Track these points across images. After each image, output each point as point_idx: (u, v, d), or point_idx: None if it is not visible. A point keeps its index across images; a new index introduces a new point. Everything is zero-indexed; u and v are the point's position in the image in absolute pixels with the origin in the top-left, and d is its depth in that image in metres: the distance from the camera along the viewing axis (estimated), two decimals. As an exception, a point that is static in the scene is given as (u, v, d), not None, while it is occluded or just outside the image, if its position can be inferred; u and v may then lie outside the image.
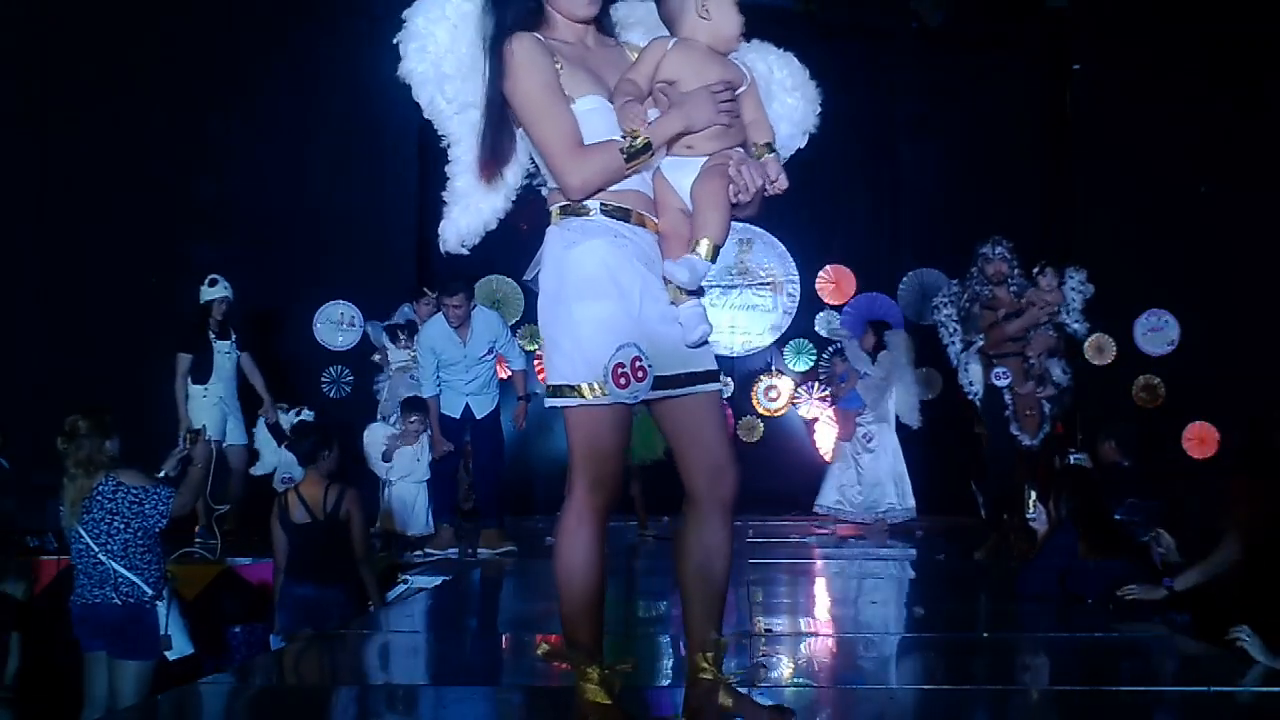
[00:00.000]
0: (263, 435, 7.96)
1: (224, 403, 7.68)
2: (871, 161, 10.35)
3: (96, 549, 4.98)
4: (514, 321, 9.97)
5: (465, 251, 3.08)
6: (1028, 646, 4.45)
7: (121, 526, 5.02)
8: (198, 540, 6.96)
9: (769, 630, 4.56)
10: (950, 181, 10.12)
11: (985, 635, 4.62)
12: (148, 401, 8.10)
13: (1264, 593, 4.60)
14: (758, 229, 10.15)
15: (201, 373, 7.62)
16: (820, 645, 4.53)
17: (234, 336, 7.80)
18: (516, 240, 9.76)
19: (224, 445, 7.63)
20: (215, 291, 7.70)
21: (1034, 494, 5.39)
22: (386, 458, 7.38)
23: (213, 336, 7.69)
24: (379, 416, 8.07)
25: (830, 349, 9.23)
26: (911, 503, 8.65)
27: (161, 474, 5.36)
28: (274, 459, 7.94)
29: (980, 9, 9.91)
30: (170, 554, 5.65)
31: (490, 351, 7.39)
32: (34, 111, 9.30)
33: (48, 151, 9.33)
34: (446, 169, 3.01)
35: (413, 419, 7.39)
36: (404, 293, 9.52)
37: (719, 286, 10.11)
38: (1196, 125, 9.51)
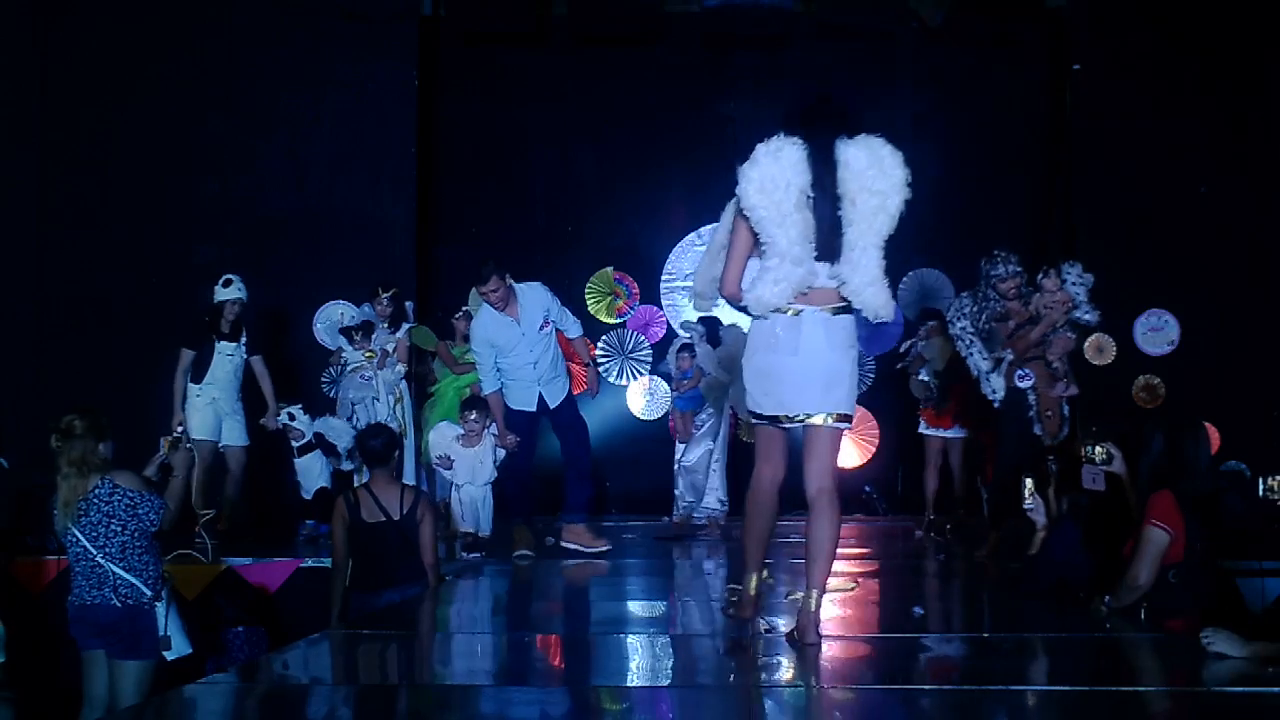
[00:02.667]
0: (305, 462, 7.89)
1: (218, 404, 7.56)
2: (871, 161, 10.32)
3: (94, 551, 4.96)
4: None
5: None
6: (1028, 646, 4.44)
7: (119, 529, 5.00)
8: (198, 542, 6.93)
9: (769, 630, 4.55)
10: (950, 181, 10.10)
11: (985, 635, 4.62)
12: (147, 402, 8.11)
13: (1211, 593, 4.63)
14: (758, 229, 10.12)
15: (197, 372, 7.54)
16: (820, 645, 4.51)
17: (244, 339, 7.70)
18: (516, 241, 9.80)
19: (220, 446, 7.58)
20: (229, 292, 7.58)
21: (1030, 483, 5.37)
22: (447, 464, 7.23)
23: (215, 337, 7.57)
24: (340, 418, 8.02)
25: (677, 343, 8.74)
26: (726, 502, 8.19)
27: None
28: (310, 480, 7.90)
29: (980, 9, 9.90)
30: (167, 555, 5.64)
31: (546, 323, 6.95)
32: (34, 111, 9.31)
33: (47, 151, 9.34)
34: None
35: (471, 416, 7.10)
36: (404, 292, 9.54)
37: (719, 286, 10.09)
38: (1196, 125, 9.51)
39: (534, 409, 6.88)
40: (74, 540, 5.00)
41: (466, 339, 8.52)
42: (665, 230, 10.20)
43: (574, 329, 7.23)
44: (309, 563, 6.46)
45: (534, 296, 6.93)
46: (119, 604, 4.98)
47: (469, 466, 7.17)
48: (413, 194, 9.67)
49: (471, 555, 7.01)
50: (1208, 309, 9.46)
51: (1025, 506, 5.34)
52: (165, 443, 5.41)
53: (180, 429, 7.03)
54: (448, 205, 10.23)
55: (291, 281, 9.28)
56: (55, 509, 5.06)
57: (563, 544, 6.97)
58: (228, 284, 7.59)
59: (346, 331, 8.28)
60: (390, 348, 8.17)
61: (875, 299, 3.94)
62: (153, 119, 9.29)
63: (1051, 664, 4.20)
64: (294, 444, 7.89)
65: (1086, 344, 9.54)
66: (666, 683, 4.00)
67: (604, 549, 6.91)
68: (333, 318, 9.24)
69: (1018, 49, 10.20)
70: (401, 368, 8.21)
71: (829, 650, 4.33)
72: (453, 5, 10.10)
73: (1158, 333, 9.62)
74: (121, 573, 4.98)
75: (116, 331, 9.07)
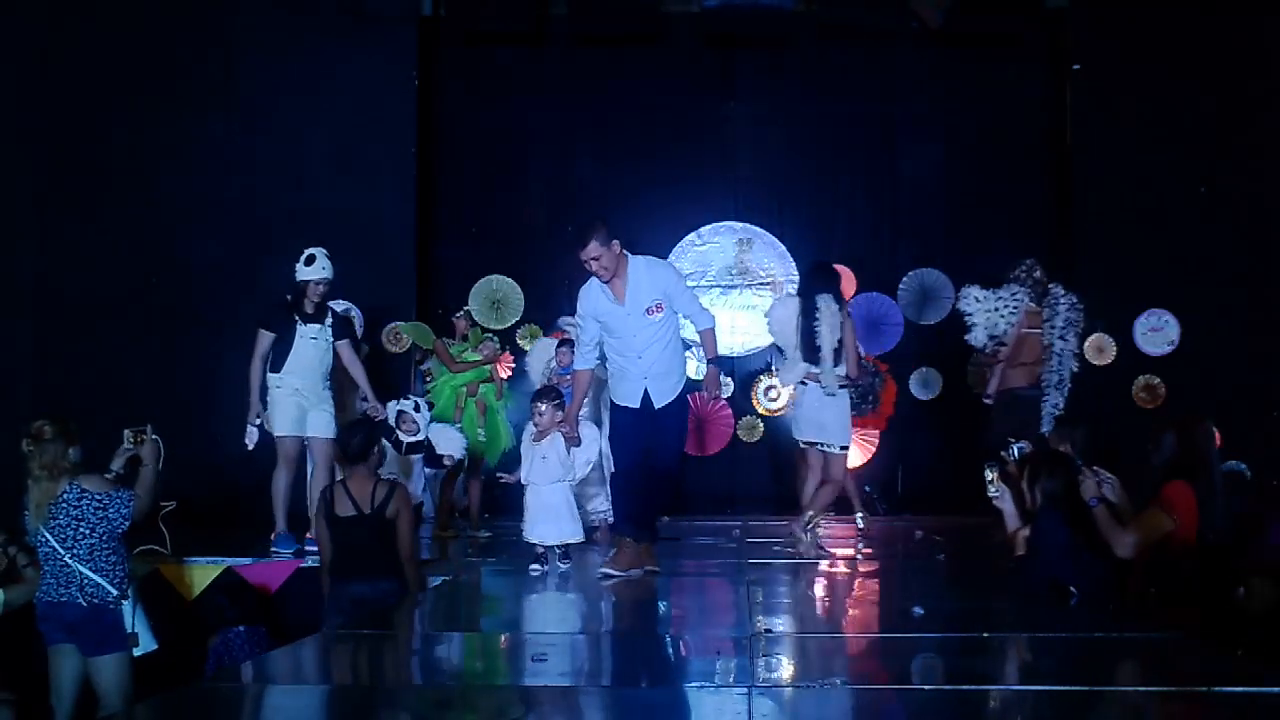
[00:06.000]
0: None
1: (301, 394, 6.79)
2: (871, 161, 10.35)
3: (63, 552, 5.12)
4: (514, 321, 9.98)
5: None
6: (1028, 646, 4.44)
7: (87, 531, 5.15)
8: (163, 521, 6.56)
9: (769, 630, 4.56)
10: (950, 182, 10.12)
11: (985, 635, 4.62)
12: (146, 401, 8.11)
13: (1216, 586, 4.64)
14: (757, 229, 10.14)
15: (276, 360, 6.80)
16: (820, 645, 4.52)
17: (330, 321, 6.94)
18: (516, 241, 9.76)
19: (305, 439, 6.92)
20: (312, 271, 6.80)
21: (994, 474, 5.40)
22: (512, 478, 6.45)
23: (298, 319, 6.83)
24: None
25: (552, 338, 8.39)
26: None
27: (111, 473, 5.39)
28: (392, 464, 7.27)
29: (980, 9, 9.91)
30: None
31: (658, 308, 5.88)
32: (35, 111, 9.31)
33: (47, 151, 9.34)
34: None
35: (540, 408, 6.16)
36: (404, 292, 9.55)
37: (719, 287, 10.11)
38: (1196, 125, 9.51)
39: (638, 406, 5.99)
40: (43, 541, 5.17)
41: (465, 338, 8.52)
42: (665, 230, 10.21)
43: (703, 319, 6.15)
44: (309, 562, 6.45)
45: (650, 275, 5.93)
46: (84, 603, 5.14)
47: (530, 464, 6.21)
48: (413, 194, 9.68)
49: (533, 568, 6.18)
50: (1208, 309, 9.47)
51: (990, 495, 5.35)
52: (130, 435, 5.44)
53: (259, 422, 6.76)
54: (448, 205, 10.23)
55: (291, 281, 9.26)
56: (26, 511, 5.23)
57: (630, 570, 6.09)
58: (310, 261, 6.82)
59: None
60: None
61: (831, 379, 6.74)
62: (153, 119, 9.29)
63: (1051, 664, 4.19)
64: (404, 439, 7.34)
65: (1087, 344, 9.56)
66: (667, 683, 4.00)
67: (653, 569, 6.07)
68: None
69: (1018, 49, 10.22)
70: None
71: (829, 650, 4.33)
72: (453, 5, 10.11)
73: (1158, 333, 9.63)
74: (88, 573, 5.14)
75: (116, 331, 9.07)
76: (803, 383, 6.85)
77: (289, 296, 6.91)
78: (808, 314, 6.78)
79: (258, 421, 6.78)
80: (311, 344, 6.85)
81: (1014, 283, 7.58)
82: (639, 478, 6.04)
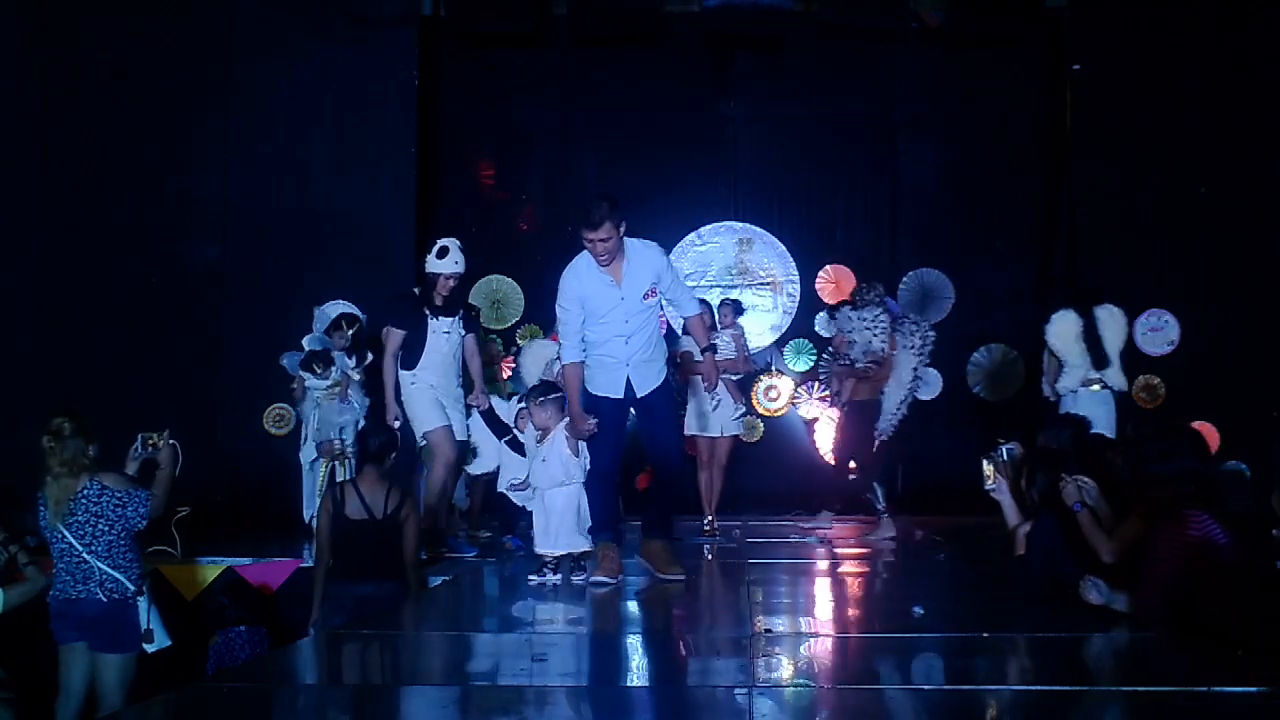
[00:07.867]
0: (479, 429, 7.19)
1: (437, 390, 6.58)
2: (871, 161, 10.36)
3: (81, 548, 5.14)
4: (514, 321, 9.98)
5: None
6: (1028, 646, 4.44)
7: (106, 528, 5.18)
8: (174, 523, 6.65)
9: (769, 630, 4.56)
10: (950, 181, 10.13)
11: (985, 635, 4.62)
12: (146, 401, 8.11)
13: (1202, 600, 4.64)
14: (757, 229, 10.14)
15: (410, 356, 6.56)
16: (820, 645, 4.52)
17: (460, 315, 6.71)
18: (516, 240, 9.78)
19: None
20: (444, 264, 6.51)
21: (989, 466, 5.42)
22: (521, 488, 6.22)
23: (429, 313, 6.57)
24: (311, 442, 7.70)
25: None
26: None
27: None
28: (495, 456, 7.20)
29: (980, 9, 9.91)
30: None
31: (652, 292, 5.66)
32: (35, 111, 9.32)
33: (48, 151, 9.35)
34: None
35: (535, 406, 5.77)
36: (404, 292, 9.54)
37: (719, 287, 10.11)
38: (1196, 125, 9.51)
39: (620, 396, 5.72)
40: (59, 537, 5.18)
41: None
42: (665, 230, 10.20)
43: (690, 305, 5.96)
44: (310, 563, 6.46)
45: (647, 258, 5.66)
46: (104, 598, 5.16)
47: (531, 468, 5.92)
48: (413, 194, 9.68)
49: (543, 578, 5.81)
50: (1208, 309, 9.47)
51: (988, 488, 5.36)
52: (144, 440, 5.45)
53: (397, 422, 6.52)
54: (447, 206, 10.23)
55: (291, 281, 9.28)
56: (42, 507, 5.23)
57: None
58: (444, 253, 6.54)
59: (307, 363, 7.89)
60: (357, 376, 7.81)
61: (1119, 379, 7.55)
62: (153, 119, 9.29)
63: (1050, 663, 4.20)
64: (523, 439, 7.00)
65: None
66: (666, 683, 4.00)
67: (679, 577, 5.78)
68: (331, 316, 9.22)
69: (1018, 49, 10.21)
70: (366, 400, 7.80)
71: (829, 650, 4.33)
72: (453, 5, 10.11)
73: (1158, 333, 9.62)
74: (107, 569, 5.16)
75: (116, 332, 9.07)
76: (1084, 385, 7.43)
77: (415, 290, 6.66)
78: (1091, 323, 7.49)
79: (396, 424, 6.50)
80: (445, 339, 6.62)
81: (871, 305, 7.88)
82: (616, 478, 5.83)
